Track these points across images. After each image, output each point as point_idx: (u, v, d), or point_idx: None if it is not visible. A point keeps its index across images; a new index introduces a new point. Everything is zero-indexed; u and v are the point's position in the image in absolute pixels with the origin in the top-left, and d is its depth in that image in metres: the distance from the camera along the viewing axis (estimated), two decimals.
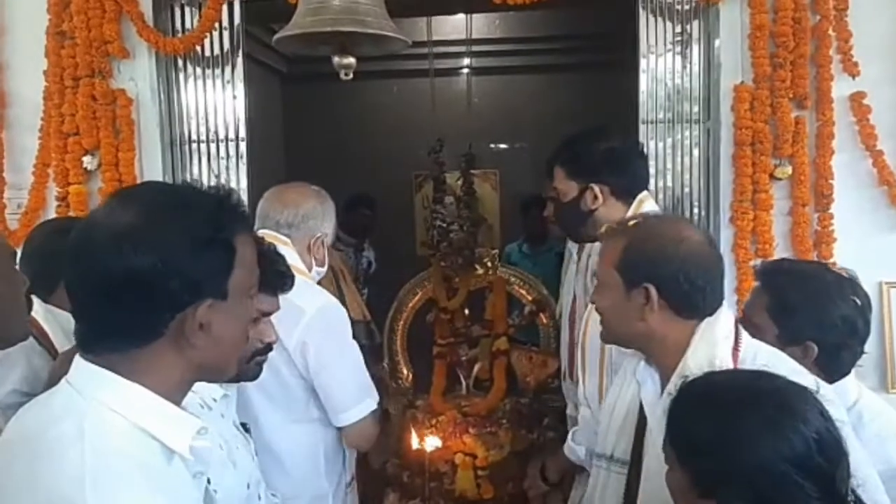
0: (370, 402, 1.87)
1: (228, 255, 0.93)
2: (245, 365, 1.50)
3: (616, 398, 1.54)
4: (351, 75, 1.98)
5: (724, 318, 1.38)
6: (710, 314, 1.37)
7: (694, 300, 1.35)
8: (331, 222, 2.01)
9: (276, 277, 1.53)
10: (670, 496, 1.14)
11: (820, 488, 0.99)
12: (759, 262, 2.66)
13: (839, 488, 1.01)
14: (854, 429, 1.39)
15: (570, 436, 2.04)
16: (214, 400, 1.43)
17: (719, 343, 1.33)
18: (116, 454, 0.86)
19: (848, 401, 1.48)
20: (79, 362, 0.92)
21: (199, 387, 1.36)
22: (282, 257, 1.60)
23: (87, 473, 0.82)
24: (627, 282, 1.37)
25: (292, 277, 1.59)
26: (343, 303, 2.17)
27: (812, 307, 1.50)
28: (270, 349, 1.55)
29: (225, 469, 1.34)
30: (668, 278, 1.34)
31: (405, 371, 4.00)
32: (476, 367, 3.10)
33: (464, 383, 3.16)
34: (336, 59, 2.02)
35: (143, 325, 0.90)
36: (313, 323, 1.76)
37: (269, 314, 1.53)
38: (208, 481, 1.01)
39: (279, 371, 1.78)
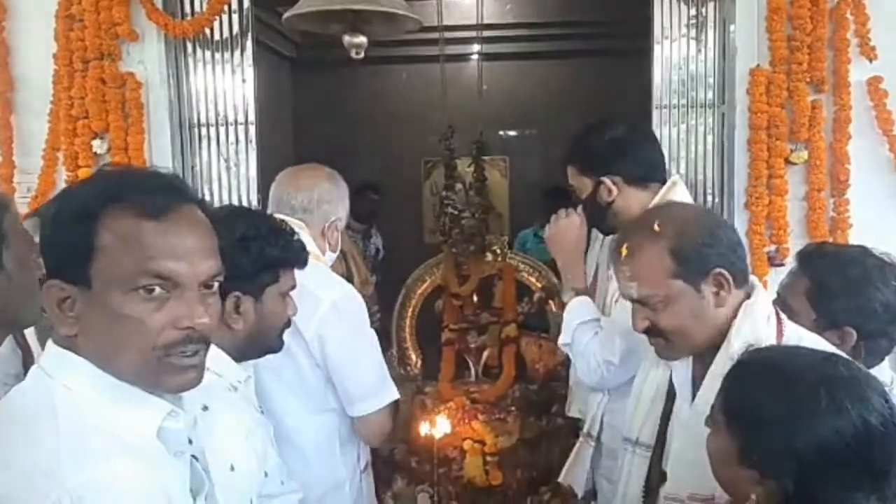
0: (388, 394, 1.83)
1: (85, 239, 0.86)
2: (276, 339, 1.52)
3: (643, 382, 1.51)
4: (362, 55, 1.96)
5: (764, 298, 1.35)
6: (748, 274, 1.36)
7: (744, 267, 1.34)
8: (345, 206, 1.98)
9: (294, 253, 1.52)
10: (708, 459, 1.12)
11: (870, 481, 0.97)
12: (773, 248, 2.64)
13: (891, 482, 0.98)
14: None
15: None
16: (240, 381, 1.43)
17: (762, 324, 1.30)
18: (91, 429, 0.85)
19: None
20: (49, 345, 0.92)
21: (225, 370, 1.36)
22: (294, 232, 1.58)
23: (63, 446, 0.82)
24: (693, 280, 1.30)
25: (307, 252, 1.58)
26: (351, 281, 2.15)
27: (852, 292, 1.45)
28: (290, 324, 1.55)
29: (247, 454, 1.33)
30: (726, 252, 1.30)
31: (414, 357, 4.00)
32: (485, 354, 3.09)
33: (473, 370, 3.15)
34: (347, 38, 2.00)
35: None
36: (330, 315, 1.74)
37: (292, 289, 1.52)
38: (195, 458, 0.99)
39: (297, 361, 1.76)
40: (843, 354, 1.22)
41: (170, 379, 0.90)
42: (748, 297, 1.33)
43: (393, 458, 3.32)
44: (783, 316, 1.35)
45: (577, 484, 2.03)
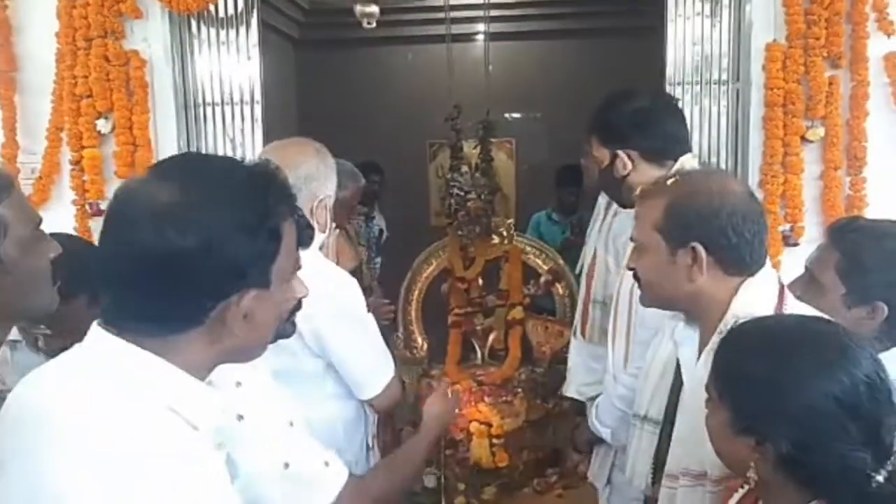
0: (389, 369, 1.84)
1: (274, 242, 0.87)
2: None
3: (652, 359, 1.52)
4: (374, 24, 1.90)
5: (767, 277, 1.34)
6: (756, 270, 1.32)
7: (742, 255, 1.30)
8: (333, 183, 1.89)
9: (300, 232, 1.49)
10: (708, 439, 1.12)
11: (865, 434, 0.97)
12: (787, 227, 2.61)
13: (884, 437, 0.98)
14: None
15: (592, 414, 2.01)
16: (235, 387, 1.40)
17: (760, 303, 1.29)
18: (146, 429, 0.82)
19: None
20: (102, 335, 0.86)
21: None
22: (300, 209, 1.54)
23: (117, 449, 0.79)
24: (672, 243, 1.31)
25: (313, 229, 1.54)
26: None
27: (886, 266, 1.42)
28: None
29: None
30: (716, 234, 1.29)
31: (420, 340, 3.99)
32: (491, 337, 3.08)
33: (479, 353, 3.14)
34: (359, 8, 1.95)
35: (182, 314, 0.84)
36: (325, 309, 1.67)
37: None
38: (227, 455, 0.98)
39: (293, 352, 1.73)
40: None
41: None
42: (736, 288, 1.31)
43: (400, 440, 3.31)
44: (788, 296, 1.34)
45: (599, 480, 2.05)
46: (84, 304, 1.47)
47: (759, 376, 1.03)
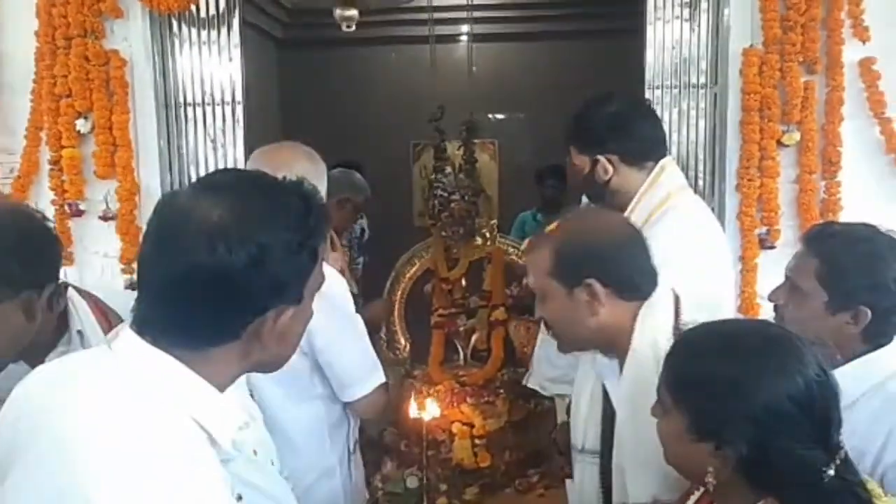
0: (377, 376, 1.83)
1: (312, 261, 0.92)
2: None
3: (580, 390, 1.57)
4: (353, 27, 1.91)
5: (663, 295, 1.40)
6: (651, 290, 1.40)
7: (634, 280, 1.39)
8: (323, 186, 1.92)
9: (327, 217, 1.51)
10: (660, 443, 1.15)
11: (817, 431, 1.02)
12: (764, 230, 2.64)
13: (832, 434, 1.03)
14: (892, 398, 1.41)
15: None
16: None
17: (660, 319, 1.36)
18: (167, 441, 0.83)
19: (889, 368, 1.45)
20: (136, 342, 0.87)
21: None
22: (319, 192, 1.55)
23: (138, 458, 0.79)
24: (567, 284, 1.38)
25: (331, 220, 1.56)
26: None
27: (866, 270, 1.43)
28: None
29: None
30: (606, 267, 1.38)
31: (403, 341, 3.99)
32: (474, 338, 3.09)
33: (462, 353, 3.15)
34: (338, 12, 1.95)
35: (220, 328, 0.87)
36: (321, 299, 1.72)
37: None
38: None
39: None
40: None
41: None
42: (636, 310, 1.38)
43: (382, 441, 3.31)
44: (683, 307, 1.40)
45: None
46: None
47: (717, 380, 1.04)
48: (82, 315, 1.75)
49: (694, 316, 1.35)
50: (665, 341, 1.29)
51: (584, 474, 1.55)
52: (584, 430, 1.54)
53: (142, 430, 0.81)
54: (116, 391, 0.84)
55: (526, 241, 1.48)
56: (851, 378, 1.43)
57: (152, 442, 0.80)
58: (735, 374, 1.03)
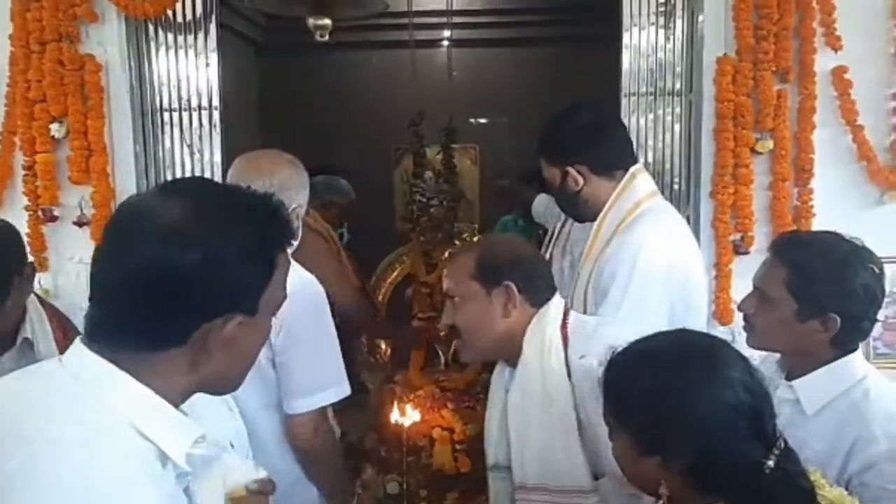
0: (322, 397, 1.76)
1: (268, 271, 0.90)
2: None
3: (492, 407, 1.65)
4: (327, 37, 1.92)
5: (555, 302, 1.57)
6: (549, 299, 1.56)
7: (542, 288, 1.56)
8: (305, 193, 1.92)
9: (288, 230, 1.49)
10: (616, 464, 1.19)
11: (752, 428, 1.06)
12: (738, 236, 2.67)
13: (767, 426, 1.07)
14: (857, 405, 1.43)
15: None
16: None
17: (549, 324, 1.51)
18: (123, 457, 0.81)
19: (855, 376, 1.48)
20: (84, 354, 0.86)
21: None
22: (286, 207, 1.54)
23: (98, 485, 0.78)
24: (487, 285, 1.53)
25: (299, 227, 1.57)
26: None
27: (834, 277, 1.45)
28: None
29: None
30: (523, 272, 1.54)
31: (383, 346, 3.99)
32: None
33: (442, 358, 3.15)
34: (311, 21, 1.95)
35: (169, 328, 0.85)
36: (292, 301, 1.71)
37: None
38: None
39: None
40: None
41: None
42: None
43: (362, 446, 3.31)
44: (571, 312, 1.57)
45: None
46: None
47: (649, 399, 1.09)
48: (36, 324, 1.74)
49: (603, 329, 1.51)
50: (552, 341, 1.46)
51: (498, 491, 1.63)
52: (495, 446, 1.61)
53: (81, 462, 0.79)
54: (61, 418, 0.83)
55: (447, 252, 1.66)
56: (818, 386, 1.46)
57: (92, 475, 0.79)
58: (662, 392, 1.08)
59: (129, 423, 0.83)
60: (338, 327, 1.83)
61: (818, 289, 1.45)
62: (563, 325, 1.52)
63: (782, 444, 1.08)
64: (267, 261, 0.90)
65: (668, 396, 1.07)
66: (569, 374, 1.47)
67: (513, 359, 1.55)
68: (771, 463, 1.04)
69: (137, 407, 0.85)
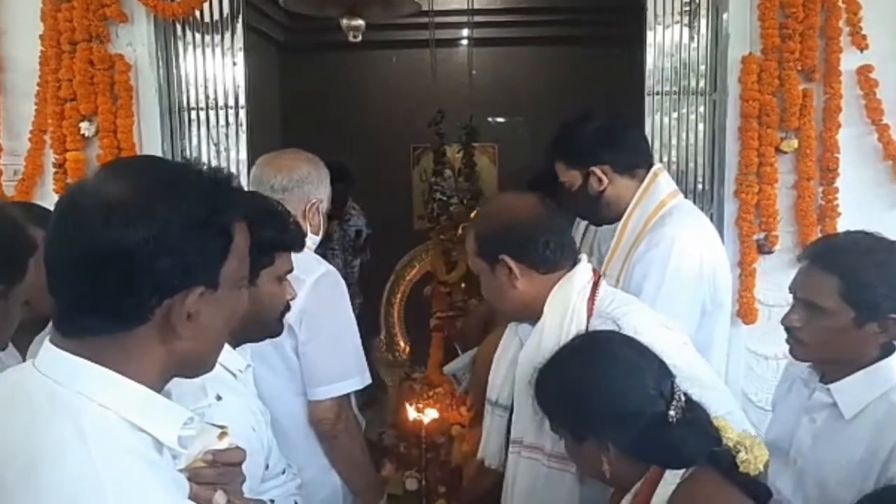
0: (342, 386, 1.80)
1: (224, 241, 0.87)
2: (276, 323, 1.53)
3: (503, 351, 1.70)
4: (359, 38, 1.94)
5: (581, 271, 1.55)
6: (571, 265, 1.55)
7: (546, 255, 1.52)
8: (326, 189, 1.97)
9: (291, 236, 1.51)
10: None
11: (653, 386, 1.23)
12: (762, 235, 2.66)
13: (663, 382, 1.25)
14: (892, 412, 1.43)
15: None
16: (240, 371, 1.42)
17: (574, 294, 1.50)
18: (123, 452, 0.80)
19: (892, 379, 1.46)
20: (53, 351, 0.85)
21: (224, 357, 1.34)
22: (290, 213, 1.55)
23: (104, 480, 0.77)
24: (489, 262, 1.54)
25: (304, 235, 1.58)
26: None
27: (887, 278, 1.44)
28: (289, 309, 1.54)
29: (254, 442, 1.33)
30: (516, 243, 1.52)
31: (402, 343, 4.01)
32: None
33: (461, 356, 3.16)
34: (345, 22, 1.98)
35: (126, 307, 0.83)
36: (314, 290, 1.74)
37: (288, 272, 1.51)
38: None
39: (281, 344, 1.75)
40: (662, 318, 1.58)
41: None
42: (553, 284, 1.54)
43: (381, 443, 3.33)
44: (602, 285, 1.56)
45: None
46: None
47: (559, 400, 1.30)
48: None
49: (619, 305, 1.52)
50: (576, 312, 1.48)
51: (493, 424, 1.70)
52: (500, 386, 1.67)
53: (83, 462, 0.78)
54: (54, 422, 0.81)
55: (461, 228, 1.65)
56: (856, 390, 1.46)
57: (96, 473, 0.77)
58: (566, 389, 1.28)
59: (121, 418, 0.82)
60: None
61: (874, 293, 1.43)
62: (591, 299, 1.51)
63: (682, 398, 1.23)
64: (220, 230, 0.87)
65: (572, 390, 1.27)
66: None
67: (532, 318, 1.56)
68: (672, 412, 1.21)
69: (126, 401, 0.83)
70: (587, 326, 1.48)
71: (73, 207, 0.85)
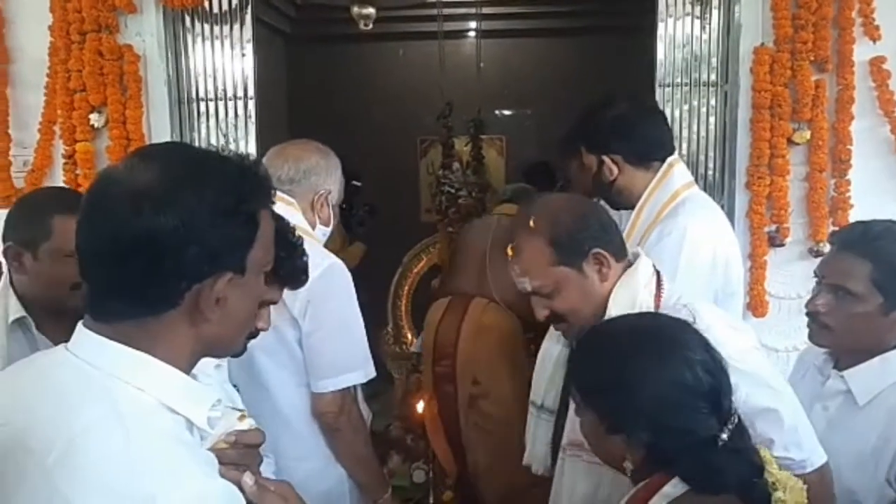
0: (345, 378, 1.79)
1: (251, 228, 0.90)
2: (239, 344, 1.47)
3: (546, 353, 1.64)
4: (370, 26, 1.92)
5: (644, 265, 1.46)
6: (624, 248, 1.48)
7: (620, 242, 1.47)
8: (335, 179, 1.94)
9: (295, 272, 1.49)
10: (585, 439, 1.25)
11: (710, 405, 1.11)
12: (773, 227, 2.65)
13: (723, 402, 1.13)
14: None
15: None
16: (208, 374, 1.40)
17: (640, 289, 1.42)
18: (160, 434, 0.82)
19: None
20: (86, 335, 0.87)
21: None
22: (306, 253, 1.53)
23: (142, 460, 0.79)
24: (574, 264, 1.42)
25: (307, 275, 1.55)
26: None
27: None
28: (258, 334, 1.47)
29: None
30: (598, 229, 1.44)
31: (409, 336, 4.02)
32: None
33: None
34: (356, 10, 1.97)
35: (157, 292, 0.85)
36: (318, 282, 1.72)
37: (271, 303, 1.47)
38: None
39: (284, 335, 1.76)
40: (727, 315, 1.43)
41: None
42: (629, 267, 1.46)
43: (388, 435, 3.34)
44: (665, 280, 1.46)
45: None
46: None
47: (606, 382, 1.15)
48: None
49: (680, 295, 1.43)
50: (642, 308, 1.39)
51: (538, 429, 1.64)
52: (545, 389, 1.61)
53: (122, 443, 0.80)
54: (92, 406, 0.83)
55: (509, 249, 1.49)
56: (870, 376, 1.46)
57: (135, 454, 0.79)
58: (618, 375, 1.14)
59: (157, 400, 0.85)
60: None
61: None
62: (658, 295, 1.42)
63: (736, 420, 1.13)
64: (247, 218, 0.89)
65: (621, 380, 1.13)
66: None
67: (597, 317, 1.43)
68: (724, 436, 1.11)
69: (160, 384, 0.86)
70: None
71: (102, 194, 0.87)
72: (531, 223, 1.44)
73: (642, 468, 1.16)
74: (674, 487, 1.11)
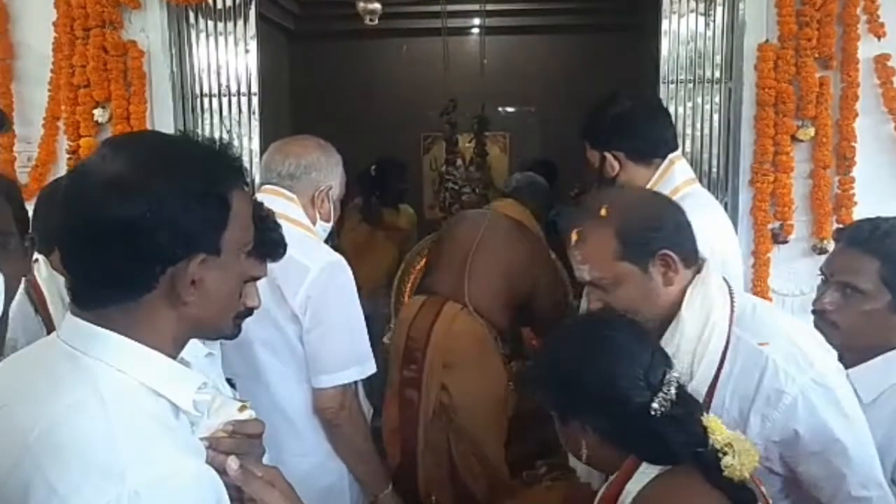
0: (346, 374, 1.78)
1: (222, 209, 0.90)
2: (229, 325, 1.47)
3: None
4: (376, 21, 1.92)
5: (715, 274, 1.40)
6: (697, 252, 1.42)
7: (692, 247, 1.39)
8: (336, 175, 1.92)
9: (269, 245, 1.49)
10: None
11: (644, 377, 1.18)
12: (777, 224, 2.65)
13: (655, 375, 1.19)
14: None
15: None
16: (205, 358, 1.41)
17: (715, 294, 1.36)
18: (140, 415, 0.84)
19: None
20: (73, 321, 0.89)
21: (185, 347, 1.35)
22: (278, 225, 1.53)
23: (118, 438, 0.80)
24: (640, 262, 1.34)
25: (285, 247, 1.55)
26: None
27: None
28: (251, 313, 1.46)
29: None
30: (673, 230, 1.37)
31: None
32: None
33: None
34: (361, 5, 1.96)
35: (133, 277, 0.86)
36: (319, 279, 1.72)
37: (256, 279, 1.46)
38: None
39: (285, 331, 1.75)
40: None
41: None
42: (699, 273, 1.38)
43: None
44: (733, 288, 1.41)
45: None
46: None
47: (546, 376, 1.28)
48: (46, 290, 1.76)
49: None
50: (718, 318, 1.33)
51: None
52: None
53: (102, 421, 0.81)
54: (76, 388, 0.85)
55: (573, 233, 1.39)
56: (874, 375, 1.45)
57: (115, 433, 0.81)
58: (556, 366, 1.26)
59: (140, 383, 0.86)
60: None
61: None
62: (732, 309, 1.35)
63: (673, 392, 1.18)
64: (218, 200, 0.89)
65: (564, 368, 1.23)
66: (723, 356, 1.34)
67: (665, 323, 1.37)
68: (656, 405, 1.16)
69: (143, 367, 0.87)
70: (728, 334, 1.33)
71: (76, 185, 0.89)
72: (602, 211, 1.36)
73: (597, 453, 1.22)
74: (643, 471, 1.17)
